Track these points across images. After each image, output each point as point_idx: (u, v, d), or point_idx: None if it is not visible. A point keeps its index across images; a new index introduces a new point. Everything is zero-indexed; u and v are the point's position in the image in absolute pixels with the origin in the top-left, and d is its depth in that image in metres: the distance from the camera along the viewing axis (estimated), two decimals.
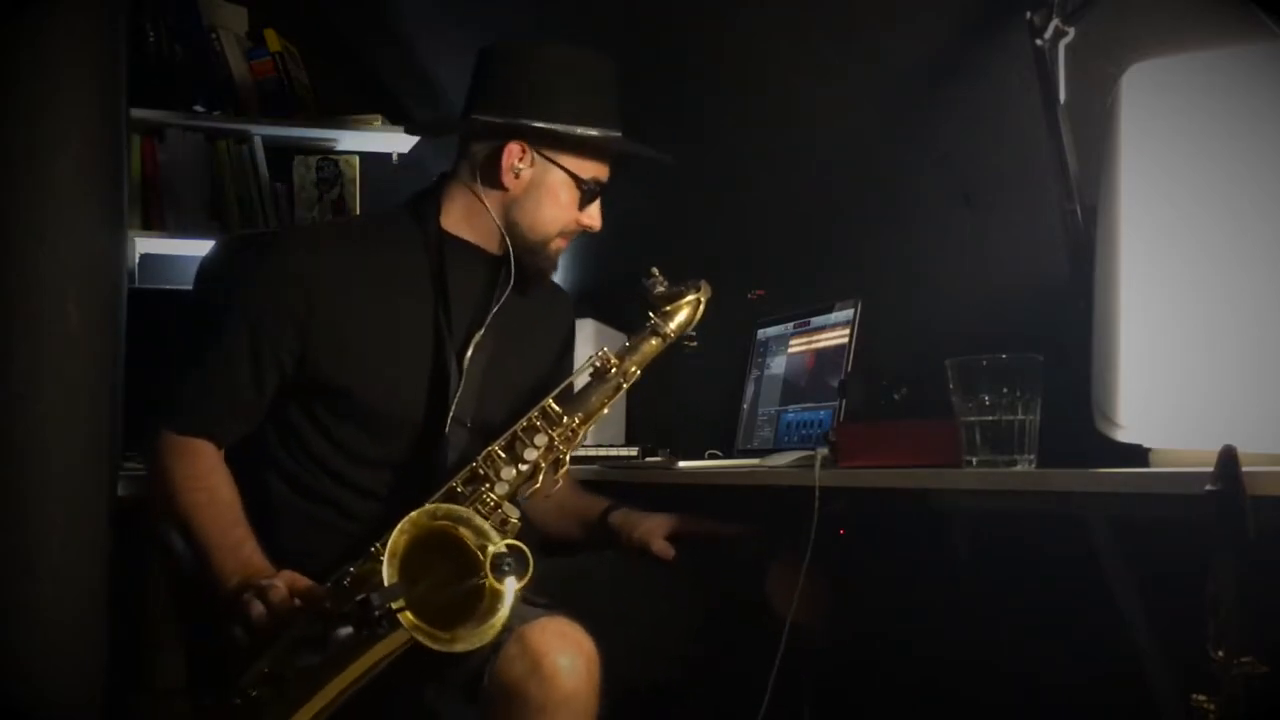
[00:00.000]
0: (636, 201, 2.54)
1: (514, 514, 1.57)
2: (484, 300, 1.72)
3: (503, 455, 1.60)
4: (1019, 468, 1.37)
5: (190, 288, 1.97)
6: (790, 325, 2.31)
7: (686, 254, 1.71)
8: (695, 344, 1.74)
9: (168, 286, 2.95)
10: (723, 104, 2.34)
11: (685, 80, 2.35)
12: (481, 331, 1.68)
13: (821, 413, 2.13)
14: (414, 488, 1.60)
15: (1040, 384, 1.39)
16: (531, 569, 1.39)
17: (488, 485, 1.58)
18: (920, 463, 1.51)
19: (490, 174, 1.71)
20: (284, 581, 1.46)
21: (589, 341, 1.94)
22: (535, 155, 1.69)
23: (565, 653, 1.38)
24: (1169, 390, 1.26)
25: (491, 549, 1.40)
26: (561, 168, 1.70)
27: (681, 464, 2.08)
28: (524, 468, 1.60)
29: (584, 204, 1.73)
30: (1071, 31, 1.50)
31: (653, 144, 1.79)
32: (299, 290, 1.63)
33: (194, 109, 3.07)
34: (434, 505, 1.47)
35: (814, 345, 2.22)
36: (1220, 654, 1.00)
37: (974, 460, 1.40)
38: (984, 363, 1.39)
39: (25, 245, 1.49)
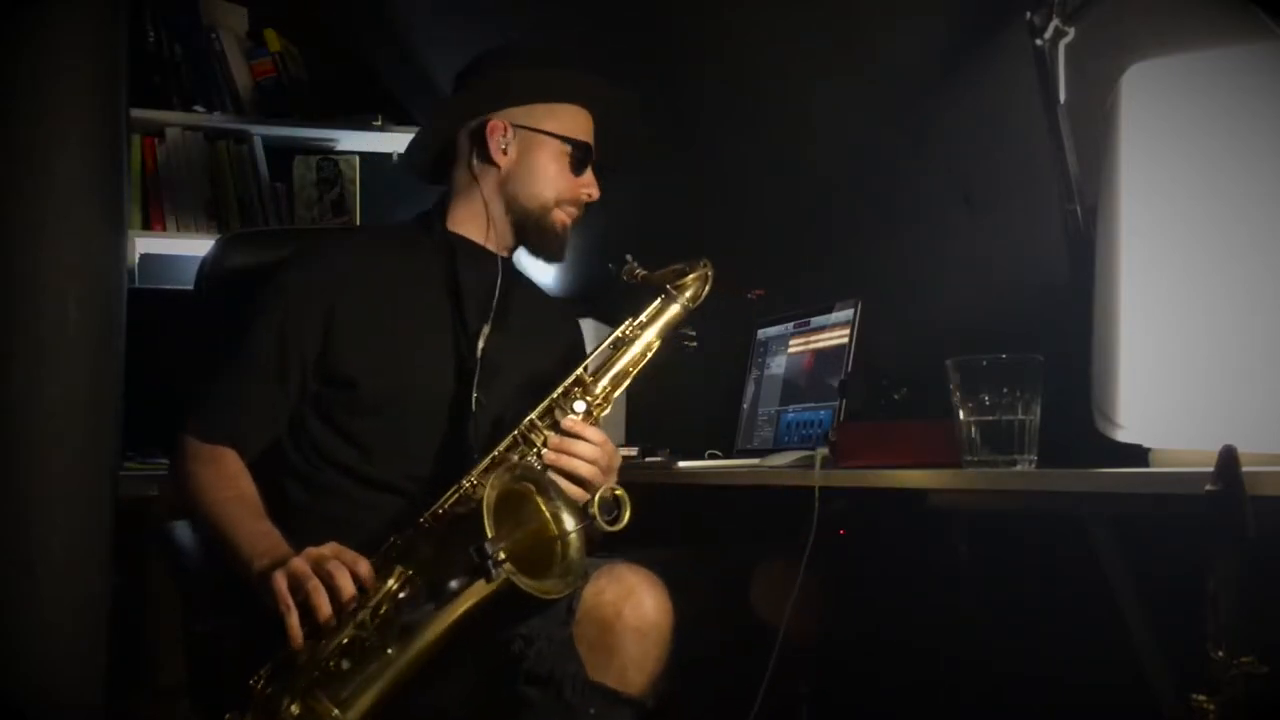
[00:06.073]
0: (636, 201, 2.54)
1: None
2: (489, 296, 1.76)
3: (540, 422, 1.62)
4: (1019, 468, 1.37)
5: (190, 288, 1.97)
6: (790, 325, 2.31)
7: (686, 254, 1.71)
8: (694, 343, 1.74)
9: (168, 286, 2.96)
10: (722, 104, 2.33)
11: (685, 80, 2.35)
12: (489, 325, 1.71)
13: (821, 413, 2.13)
14: (434, 478, 1.62)
15: (1040, 384, 1.38)
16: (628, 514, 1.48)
17: (533, 453, 1.59)
18: (920, 463, 1.51)
19: (483, 157, 1.80)
20: (336, 554, 1.45)
21: (589, 341, 1.94)
22: (516, 129, 1.78)
23: (651, 590, 1.49)
24: (1169, 390, 1.26)
25: (599, 494, 1.48)
26: (544, 132, 1.78)
27: (681, 464, 2.08)
28: None
29: (576, 169, 1.80)
30: (1071, 31, 1.50)
31: (653, 145, 1.80)
32: (324, 297, 1.69)
33: (194, 109, 3.08)
34: (510, 466, 1.52)
35: (814, 345, 2.22)
36: (1220, 654, 1.00)
37: (974, 460, 1.40)
38: (984, 363, 1.39)
39: (25, 245, 1.48)
